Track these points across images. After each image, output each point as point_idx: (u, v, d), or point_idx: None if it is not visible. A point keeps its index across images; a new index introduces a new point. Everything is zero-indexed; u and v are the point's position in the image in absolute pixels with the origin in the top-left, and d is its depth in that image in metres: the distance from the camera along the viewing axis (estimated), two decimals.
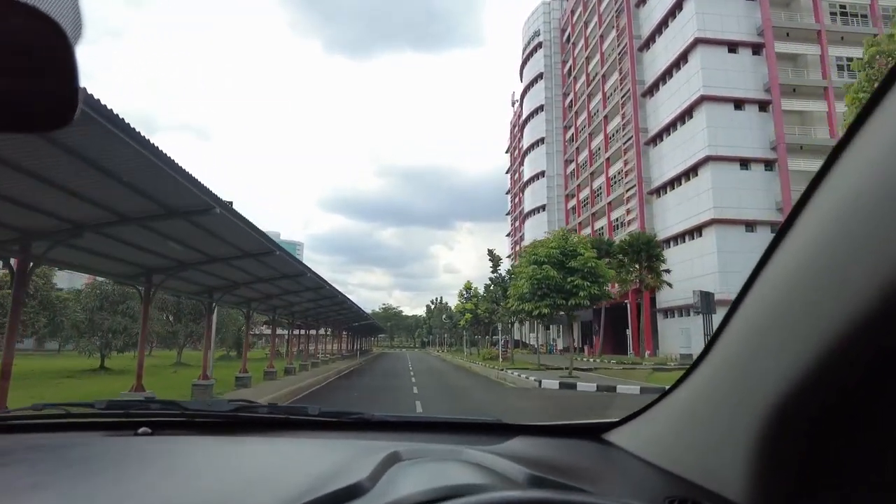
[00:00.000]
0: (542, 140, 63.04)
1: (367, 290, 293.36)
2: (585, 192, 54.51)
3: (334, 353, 39.60)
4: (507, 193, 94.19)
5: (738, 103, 35.87)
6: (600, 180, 51.18)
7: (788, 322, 0.60)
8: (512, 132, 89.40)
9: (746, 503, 0.70)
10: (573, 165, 58.85)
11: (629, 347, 41.53)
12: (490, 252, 28.30)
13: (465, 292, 43.12)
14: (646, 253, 29.79)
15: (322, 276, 16.31)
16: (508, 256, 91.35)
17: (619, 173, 47.19)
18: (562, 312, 17.25)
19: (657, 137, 41.87)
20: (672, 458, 0.92)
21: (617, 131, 48.04)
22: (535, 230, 61.11)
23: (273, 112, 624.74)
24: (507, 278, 26.26)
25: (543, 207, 61.30)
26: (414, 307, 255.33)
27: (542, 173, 62.15)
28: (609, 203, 48.29)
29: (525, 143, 68.06)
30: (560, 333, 57.79)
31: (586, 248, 17.58)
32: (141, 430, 1.30)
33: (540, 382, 15.84)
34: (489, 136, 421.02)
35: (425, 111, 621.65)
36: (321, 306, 22.85)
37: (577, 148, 57.22)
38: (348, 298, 23.28)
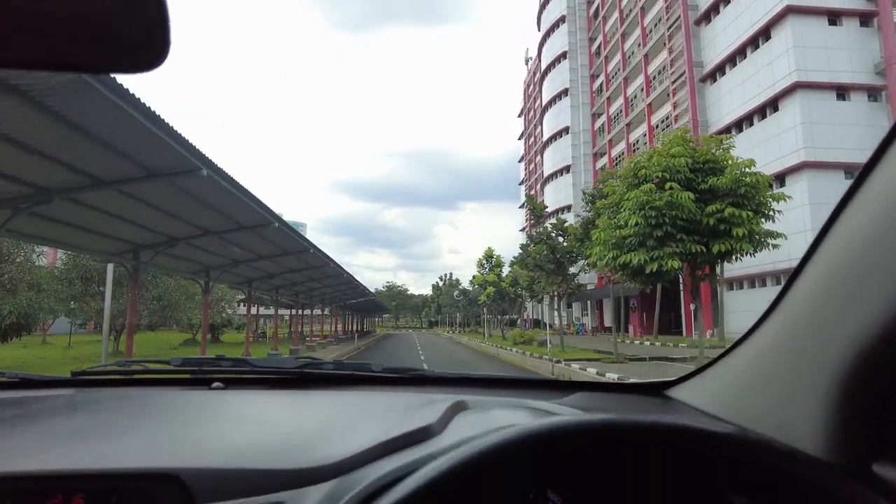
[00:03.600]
0: (565, 92, 55.27)
1: (372, 271, 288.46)
2: (619, 148, 47.03)
3: (328, 336, 32.95)
4: (520, 161, 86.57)
5: (833, 16, 28.26)
6: (639, 131, 43.73)
7: (865, 273, 0.59)
8: (526, 93, 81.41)
9: (821, 455, 0.69)
10: (602, 119, 51.27)
11: (683, 326, 34.78)
12: (530, 199, 21.26)
13: (485, 262, 35.67)
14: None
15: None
16: (522, 229, 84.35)
17: (664, 120, 39.72)
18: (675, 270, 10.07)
19: (717, 71, 34.30)
20: (739, 411, 0.90)
21: (661, 71, 40.44)
22: (558, 195, 54.02)
23: (278, 94, 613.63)
24: (554, 234, 19.09)
25: (568, 169, 53.80)
26: (419, 287, 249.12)
27: (566, 130, 54.53)
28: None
29: (545, 98, 60.24)
30: (587, 311, 51.03)
31: (728, 154, 10.54)
32: (214, 384, 1.35)
33: None
34: (495, 116, 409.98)
35: (431, 91, 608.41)
36: (295, 274, 16.01)
37: (609, 98, 49.55)
38: (336, 265, 16.26)
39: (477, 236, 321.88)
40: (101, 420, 0.99)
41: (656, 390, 1.26)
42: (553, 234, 19.02)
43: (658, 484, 0.68)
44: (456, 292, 55.37)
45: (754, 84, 30.45)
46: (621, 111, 47.09)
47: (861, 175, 0.60)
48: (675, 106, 38.01)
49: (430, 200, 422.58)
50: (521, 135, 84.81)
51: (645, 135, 42.52)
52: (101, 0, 0.44)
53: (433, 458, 0.60)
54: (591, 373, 11.92)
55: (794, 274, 0.74)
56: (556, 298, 19.50)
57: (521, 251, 21.94)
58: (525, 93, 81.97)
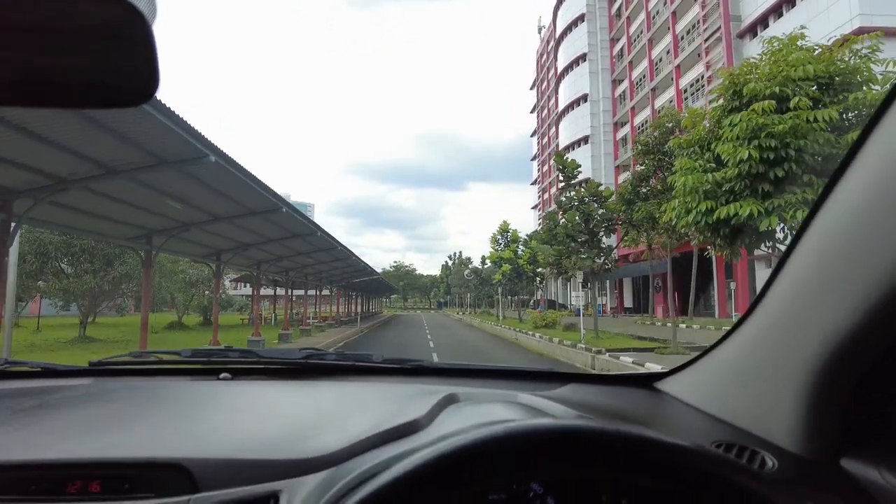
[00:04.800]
0: (583, 57, 51.59)
1: (381, 252, 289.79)
2: (643, 115, 43.61)
3: (327, 318, 30.42)
4: (532, 135, 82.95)
5: None
6: (665, 97, 40.25)
7: (838, 275, 0.61)
8: (539, 63, 77.46)
9: (794, 449, 0.72)
10: (624, 85, 47.68)
11: (715, 307, 31.90)
12: (559, 157, 18.33)
13: (499, 237, 32.63)
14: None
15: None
16: (534, 207, 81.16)
17: (695, 83, 36.28)
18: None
19: (758, 24, 30.77)
20: (720, 405, 0.93)
21: (691, 29, 36.86)
22: None
23: (286, 81, 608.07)
24: (587, 199, 16.21)
25: (586, 140, 50.42)
26: (428, 268, 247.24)
27: (584, 98, 51.01)
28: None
29: (560, 66, 56.55)
30: (605, 291, 48.15)
31: (873, 60, 7.56)
32: (222, 375, 1.38)
33: None
34: (505, 95, 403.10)
35: (439, 71, 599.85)
36: (276, 245, 13.29)
37: (631, 62, 45.93)
38: (326, 234, 13.48)
39: (485, 217, 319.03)
40: (116, 410, 1.05)
41: (646, 383, 1.26)
42: (586, 200, 16.16)
43: (642, 481, 0.69)
44: (467, 271, 52.54)
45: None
46: (645, 76, 43.55)
47: (837, 172, 0.59)
48: (707, 66, 34.52)
49: (438, 181, 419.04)
50: (534, 108, 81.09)
51: (671, 100, 39.07)
52: (93, 46, 0.46)
53: (414, 453, 0.64)
54: (651, 368, 9.12)
55: (777, 268, 0.74)
56: (589, 275, 16.69)
57: (546, 221, 19.11)
58: (538, 63, 78.01)
